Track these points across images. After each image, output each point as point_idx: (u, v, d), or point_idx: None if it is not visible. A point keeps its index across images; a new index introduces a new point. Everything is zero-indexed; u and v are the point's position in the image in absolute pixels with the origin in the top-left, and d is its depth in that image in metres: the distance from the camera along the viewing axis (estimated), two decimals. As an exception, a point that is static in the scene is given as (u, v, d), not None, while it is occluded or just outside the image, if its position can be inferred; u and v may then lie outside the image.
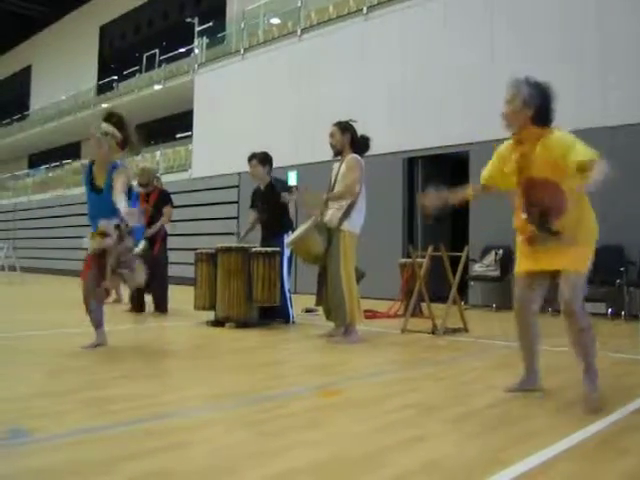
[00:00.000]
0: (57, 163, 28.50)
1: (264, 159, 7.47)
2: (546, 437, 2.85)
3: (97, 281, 5.07)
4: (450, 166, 11.80)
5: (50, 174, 26.86)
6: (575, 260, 3.43)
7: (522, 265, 3.67)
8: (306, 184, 6.28)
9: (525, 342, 3.77)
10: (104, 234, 4.93)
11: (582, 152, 3.29)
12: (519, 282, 3.69)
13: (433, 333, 6.54)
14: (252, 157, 7.49)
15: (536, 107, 3.49)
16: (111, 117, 5.08)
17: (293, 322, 7.34)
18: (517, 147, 3.62)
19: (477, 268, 9.87)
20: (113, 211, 4.89)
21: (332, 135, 6.16)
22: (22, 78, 34.22)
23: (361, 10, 12.76)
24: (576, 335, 3.49)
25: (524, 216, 3.59)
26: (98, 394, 3.69)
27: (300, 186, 6.35)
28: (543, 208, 3.45)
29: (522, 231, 3.64)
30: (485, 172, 3.96)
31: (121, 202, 4.77)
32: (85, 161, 5.47)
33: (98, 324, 5.25)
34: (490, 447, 2.71)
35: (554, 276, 3.56)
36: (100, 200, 5.02)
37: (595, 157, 3.23)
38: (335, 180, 6.11)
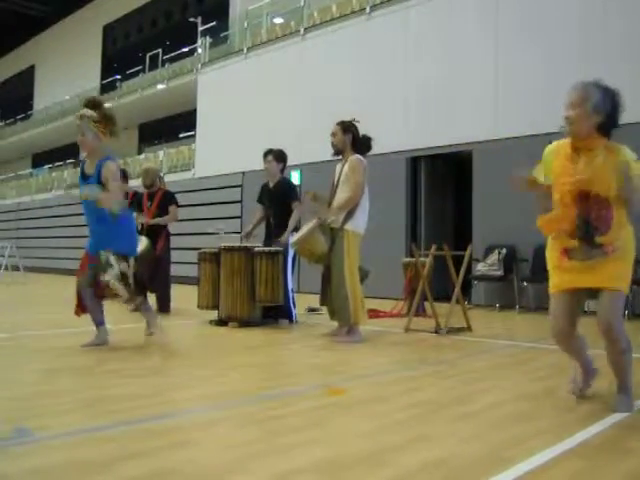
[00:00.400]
0: (60, 163, 28.55)
1: (279, 156, 7.46)
2: (550, 436, 2.85)
3: (92, 280, 5.11)
4: (454, 165, 11.81)
5: (53, 174, 26.89)
6: (615, 277, 3.26)
7: (561, 282, 3.43)
8: (312, 191, 6.25)
9: (574, 354, 3.64)
10: (106, 265, 5.00)
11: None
12: (557, 302, 3.45)
13: (436, 332, 6.54)
14: (268, 152, 7.48)
15: (606, 114, 3.23)
16: (87, 103, 5.11)
17: (295, 322, 7.33)
18: (575, 155, 3.35)
19: (480, 267, 9.86)
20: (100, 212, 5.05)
21: (334, 134, 6.15)
22: (26, 78, 34.27)
23: (364, 9, 12.75)
24: (615, 356, 3.34)
25: (568, 226, 3.34)
26: (100, 393, 3.69)
27: (305, 195, 6.33)
28: (591, 222, 3.26)
29: (560, 242, 3.41)
30: (542, 172, 3.67)
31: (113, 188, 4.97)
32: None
33: (98, 322, 5.29)
34: (494, 446, 2.71)
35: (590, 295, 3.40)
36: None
37: None
38: (338, 180, 6.10)
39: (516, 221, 9.80)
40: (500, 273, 9.63)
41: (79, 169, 5.30)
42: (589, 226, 3.26)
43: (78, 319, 5.40)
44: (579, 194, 3.29)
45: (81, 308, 5.33)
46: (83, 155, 5.25)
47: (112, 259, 5.00)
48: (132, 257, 5.22)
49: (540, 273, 9.30)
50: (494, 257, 9.77)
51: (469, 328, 6.77)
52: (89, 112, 4.97)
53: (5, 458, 2.49)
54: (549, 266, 3.52)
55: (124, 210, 5.26)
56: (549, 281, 3.50)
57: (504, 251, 9.74)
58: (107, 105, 5.11)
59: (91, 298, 5.21)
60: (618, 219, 3.24)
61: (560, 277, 3.42)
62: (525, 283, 9.54)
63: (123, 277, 5.02)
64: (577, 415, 3.27)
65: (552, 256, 3.49)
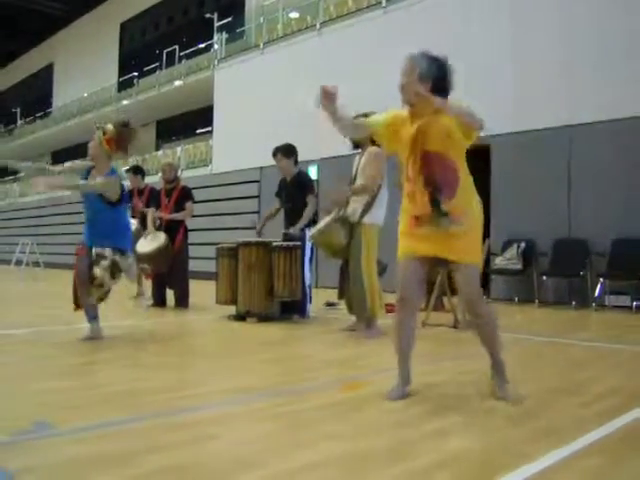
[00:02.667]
0: (79, 160, 28.70)
1: (287, 151, 7.38)
2: (570, 432, 2.83)
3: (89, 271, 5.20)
4: (471, 158, 11.71)
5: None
6: (469, 251, 3.37)
7: (409, 248, 3.45)
8: (333, 188, 6.24)
9: (402, 344, 3.59)
10: (99, 257, 5.13)
11: (466, 110, 3.29)
12: (404, 267, 3.45)
13: (455, 327, 6.51)
14: (276, 151, 7.39)
15: (433, 80, 3.39)
16: (116, 123, 5.22)
17: (308, 317, 7.30)
18: (414, 120, 3.44)
19: (499, 261, 9.81)
20: (102, 209, 5.21)
21: None
22: (44, 76, 34.50)
23: (380, 3, 12.71)
24: (480, 328, 3.45)
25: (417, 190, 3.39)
26: (121, 388, 3.71)
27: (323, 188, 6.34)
28: (436, 185, 3.33)
29: (411, 210, 3.43)
30: (373, 118, 3.80)
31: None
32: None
33: (90, 317, 5.39)
34: (513, 441, 2.70)
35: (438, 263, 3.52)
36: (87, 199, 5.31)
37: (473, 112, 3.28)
38: (356, 173, 6.08)
39: (535, 215, 9.76)
40: (519, 267, 9.57)
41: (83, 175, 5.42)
42: (434, 190, 3.32)
43: (99, 314, 5.43)
44: (421, 158, 3.38)
45: (77, 304, 5.40)
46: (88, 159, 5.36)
47: (107, 251, 5.16)
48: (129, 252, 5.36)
49: (560, 267, 9.26)
50: (513, 251, 9.71)
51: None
52: (108, 126, 5.14)
53: (26, 452, 2.51)
54: (399, 232, 3.53)
55: (119, 204, 5.35)
56: (398, 248, 3.51)
57: (523, 245, 9.68)
58: (131, 128, 5.21)
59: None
60: (463, 185, 3.35)
61: (408, 243, 3.44)
62: (544, 277, 9.48)
63: (113, 267, 5.14)
64: (596, 411, 3.24)
65: (403, 222, 3.51)
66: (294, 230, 7.07)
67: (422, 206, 3.36)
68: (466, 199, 3.38)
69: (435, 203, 3.33)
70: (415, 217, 3.40)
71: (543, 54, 9.97)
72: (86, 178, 5.28)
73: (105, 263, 5.10)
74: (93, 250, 5.19)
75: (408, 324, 3.55)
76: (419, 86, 3.33)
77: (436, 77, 3.41)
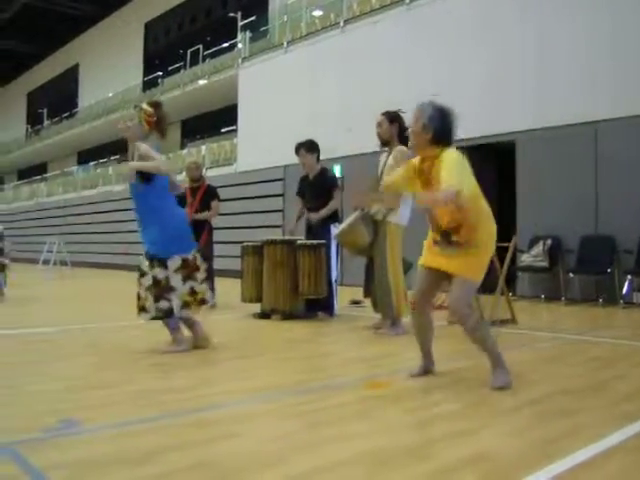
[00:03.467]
0: (105, 159, 28.97)
1: (310, 147, 7.36)
2: (596, 431, 2.80)
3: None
4: (495, 156, 11.65)
5: (98, 170, 27.33)
6: (466, 267, 3.69)
7: (425, 260, 3.93)
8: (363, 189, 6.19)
9: (421, 333, 4.07)
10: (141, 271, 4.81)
11: (453, 181, 3.51)
12: (421, 272, 3.96)
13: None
14: (299, 147, 7.39)
15: (435, 129, 3.70)
16: (150, 102, 5.10)
17: (336, 315, 7.31)
18: (421, 164, 3.85)
19: (525, 258, 9.74)
20: (145, 196, 4.87)
21: (379, 125, 6.08)
22: (70, 77, 34.82)
23: (403, 0, 12.66)
24: (469, 334, 3.74)
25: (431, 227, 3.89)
26: (146, 386, 3.74)
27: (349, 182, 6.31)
28: (443, 224, 3.75)
29: (431, 235, 3.91)
30: (388, 179, 4.23)
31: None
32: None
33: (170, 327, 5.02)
34: (539, 440, 2.68)
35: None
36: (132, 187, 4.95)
37: (455, 187, 3.47)
38: (382, 172, 6.06)
39: (562, 211, 9.67)
40: (545, 264, 9.49)
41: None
42: (445, 230, 3.75)
43: (125, 313, 5.46)
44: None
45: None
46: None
47: (145, 266, 4.77)
48: (174, 258, 4.81)
49: (587, 264, 9.17)
50: (539, 248, 9.63)
51: (514, 320, 6.69)
52: (146, 106, 5.00)
53: (53, 449, 2.55)
54: (424, 244, 4.00)
55: (170, 205, 4.98)
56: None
57: (549, 242, 9.60)
58: (163, 109, 5.10)
59: None
60: (470, 223, 3.67)
61: (426, 256, 3.93)
62: (571, 274, 9.39)
63: (155, 286, 4.72)
64: (622, 410, 3.21)
65: (428, 239, 3.95)
66: (316, 217, 7.07)
67: (435, 234, 3.84)
68: (473, 234, 3.69)
69: (443, 234, 3.77)
70: (434, 239, 3.86)
71: (568, 50, 9.87)
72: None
73: (145, 281, 4.76)
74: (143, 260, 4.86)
75: (422, 321, 4.04)
76: (423, 134, 3.72)
77: (438, 128, 3.72)
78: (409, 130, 3.86)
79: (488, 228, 3.78)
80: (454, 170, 3.59)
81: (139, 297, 4.78)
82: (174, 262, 4.76)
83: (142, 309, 4.78)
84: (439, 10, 11.89)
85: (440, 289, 4.10)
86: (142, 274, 4.76)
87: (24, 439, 2.64)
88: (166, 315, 4.76)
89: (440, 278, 3.92)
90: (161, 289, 4.71)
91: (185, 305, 4.84)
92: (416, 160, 3.93)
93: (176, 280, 4.76)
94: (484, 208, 3.78)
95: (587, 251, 9.32)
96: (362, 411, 3.16)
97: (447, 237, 3.73)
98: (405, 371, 4.24)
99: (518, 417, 3.05)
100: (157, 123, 4.96)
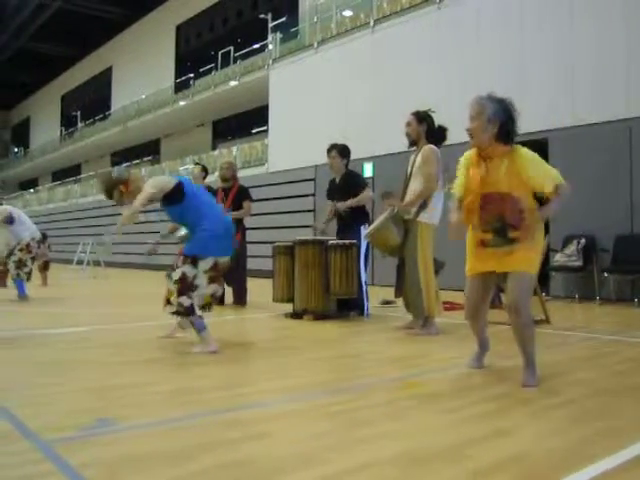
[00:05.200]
0: (137, 160, 29.27)
1: (343, 151, 7.42)
2: (633, 433, 2.77)
3: None
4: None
5: (131, 171, 27.55)
6: (520, 261, 3.64)
7: (475, 267, 3.91)
8: (383, 190, 6.19)
9: (477, 332, 4.22)
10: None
11: (555, 175, 3.57)
12: (472, 283, 3.97)
13: (514, 325, 6.41)
14: (332, 148, 7.44)
15: (500, 124, 3.63)
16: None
17: (367, 315, 7.31)
18: (482, 162, 3.74)
19: (559, 258, 9.64)
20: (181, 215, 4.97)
21: (408, 124, 6.08)
22: (103, 79, 35.25)
23: (434, -1, 12.62)
24: (519, 329, 3.73)
25: (480, 227, 3.77)
26: (180, 385, 3.78)
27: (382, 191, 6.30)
28: (502, 222, 3.64)
29: (477, 235, 3.81)
30: (459, 186, 3.96)
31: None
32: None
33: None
34: (576, 441, 2.65)
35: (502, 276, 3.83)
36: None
37: (562, 181, 3.56)
38: (411, 171, 6.06)
39: (595, 210, 9.55)
40: (579, 264, 9.39)
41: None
42: (504, 225, 3.63)
43: (160, 312, 5.49)
44: (486, 197, 3.68)
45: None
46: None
47: (179, 261, 4.85)
48: (207, 259, 4.83)
49: (622, 264, 9.05)
50: (573, 247, 9.53)
51: (548, 320, 6.63)
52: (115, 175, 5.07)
53: (89, 447, 2.58)
54: (467, 251, 3.95)
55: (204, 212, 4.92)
56: (466, 264, 3.97)
57: (583, 241, 9.49)
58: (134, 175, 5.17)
59: None
60: (528, 221, 3.60)
61: (474, 263, 3.90)
62: (606, 274, 9.28)
63: (181, 281, 4.76)
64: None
65: (470, 244, 3.90)
66: (343, 206, 7.10)
67: (485, 235, 3.74)
68: (532, 224, 3.64)
69: (497, 232, 3.67)
70: (481, 240, 3.78)
71: (601, 48, 9.75)
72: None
73: (174, 276, 4.83)
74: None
75: (478, 321, 4.17)
76: (488, 129, 3.63)
77: (503, 121, 3.64)
78: (469, 127, 3.72)
79: (540, 227, 3.78)
80: (545, 165, 3.62)
81: (168, 290, 4.91)
82: (206, 263, 4.81)
83: (168, 302, 4.89)
84: (469, 9, 11.82)
85: (491, 293, 4.11)
86: (174, 268, 4.84)
87: (60, 437, 2.68)
88: (186, 312, 4.78)
89: (491, 282, 3.96)
90: (185, 285, 4.76)
91: (205, 306, 4.97)
92: (472, 160, 3.83)
93: (202, 280, 4.82)
94: (533, 206, 3.71)
95: (622, 250, 9.20)
96: (396, 411, 3.15)
97: (503, 234, 3.64)
98: (439, 371, 4.24)
99: (555, 418, 3.02)
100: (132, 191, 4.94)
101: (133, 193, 4.88)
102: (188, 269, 4.77)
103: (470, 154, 3.87)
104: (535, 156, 3.65)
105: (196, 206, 4.89)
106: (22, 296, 9.21)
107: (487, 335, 4.28)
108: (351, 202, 7.11)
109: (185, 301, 4.75)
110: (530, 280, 3.70)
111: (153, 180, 4.95)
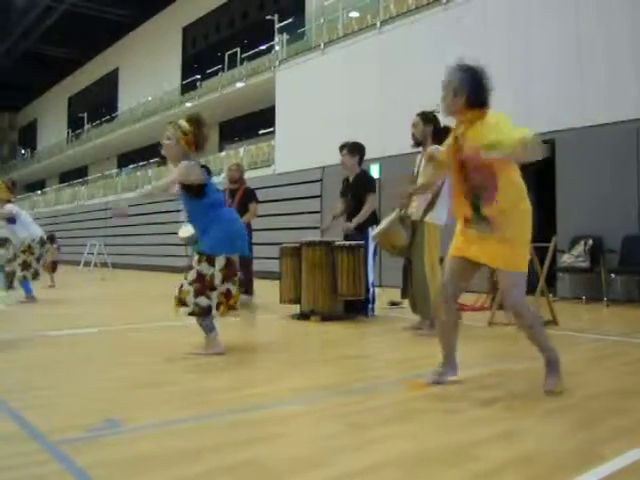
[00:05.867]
0: (144, 162, 29.33)
1: (353, 149, 7.37)
2: (643, 433, 2.77)
3: None
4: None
5: (138, 173, 27.67)
6: (511, 258, 3.54)
7: (456, 249, 3.77)
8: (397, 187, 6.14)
9: (444, 333, 3.88)
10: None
11: (515, 134, 3.28)
12: (449, 265, 3.79)
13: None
14: (343, 146, 7.42)
15: (468, 92, 3.56)
16: (188, 118, 5.05)
17: (372, 316, 7.30)
18: (455, 130, 3.73)
19: (566, 259, 9.61)
20: (194, 211, 4.91)
21: (415, 125, 6.08)
22: (110, 81, 35.35)
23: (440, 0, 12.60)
24: (527, 332, 3.63)
25: (462, 196, 3.68)
26: (188, 387, 3.78)
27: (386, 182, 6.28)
28: (474, 189, 3.56)
29: (461, 209, 3.70)
30: (441, 153, 4.06)
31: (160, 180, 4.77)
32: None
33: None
34: (585, 442, 2.65)
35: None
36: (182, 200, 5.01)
37: (521, 135, 3.24)
38: (417, 172, 6.05)
39: (603, 211, 9.52)
40: (586, 265, 9.36)
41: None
42: (474, 194, 3.56)
43: (168, 314, 5.49)
44: (460, 164, 3.63)
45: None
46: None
47: (194, 261, 4.81)
48: (221, 257, 4.79)
49: (630, 264, 9.02)
50: (580, 248, 9.50)
51: (555, 321, 6.61)
52: (183, 122, 4.98)
53: (96, 448, 2.59)
54: (456, 229, 3.83)
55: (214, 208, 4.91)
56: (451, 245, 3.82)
57: (590, 242, 9.46)
58: (204, 128, 5.04)
59: None
60: (504, 191, 3.46)
61: (456, 244, 3.77)
62: (613, 275, 9.25)
63: (198, 281, 4.73)
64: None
65: (458, 221, 3.79)
66: (349, 226, 7.07)
67: (466, 208, 3.64)
68: (508, 205, 3.49)
69: (475, 207, 3.58)
70: (465, 218, 3.68)
71: (608, 48, 9.72)
72: None
73: (189, 276, 4.79)
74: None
75: (449, 320, 3.83)
76: (456, 99, 3.60)
77: (471, 89, 3.57)
78: (441, 98, 3.73)
79: (523, 204, 3.55)
80: (507, 126, 3.41)
81: (181, 290, 4.76)
82: (220, 261, 4.79)
83: (182, 303, 4.75)
84: (475, 9, 11.81)
85: (469, 284, 3.90)
86: (190, 268, 4.82)
87: (68, 438, 2.69)
88: (203, 312, 4.74)
89: (472, 270, 3.78)
90: (204, 285, 4.72)
91: (216, 306, 4.84)
92: (452, 134, 3.78)
93: (218, 279, 4.79)
94: (516, 179, 3.54)
95: (629, 251, 9.16)
96: (403, 412, 3.15)
97: (477, 210, 3.55)
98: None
99: (563, 419, 3.01)
100: (197, 143, 4.90)
101: (177, 161, 4.83)
102: (204, 268, 4.75)
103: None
104: (500, 119, 3.49)
105: (211, 204, 4.87)
106: (29, 296, 9.28)
107: (455, 354, 3.90)
108: (357, 220, 7.05)
109: (202, 301, 4.72)
110: (522, 278, 3.58)
111: (192, 167, 4.80)
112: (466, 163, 3.58)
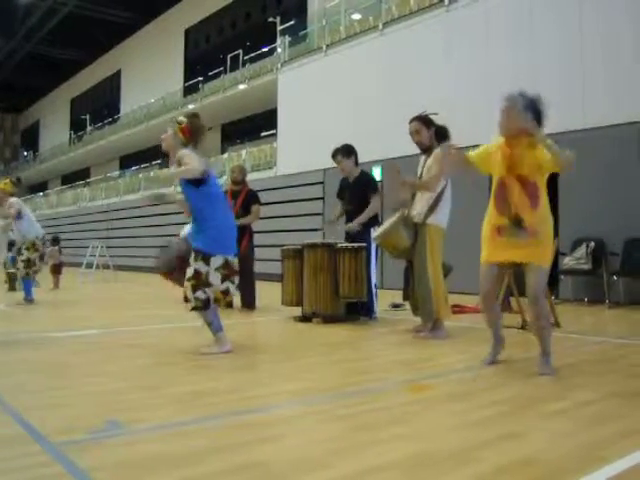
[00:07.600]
0: (146, 164, 29.35)
1: (347, 151, 7.35)
2: (645, 435, 2.76)
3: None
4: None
5: (140, 175, 27.69)
6: (539, 256, 4.07)
7: (490, 255, 4.28)
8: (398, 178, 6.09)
9: (491, 323, 4.51)
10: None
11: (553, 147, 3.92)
12: (486, 270, 4.31)
13: (523, 328, 6.40)
14: (335, 153, 7.39)
15: (533, 112, 4.05)
16: (187, 114, 5.18)
17: (375, 318, 7.29)
18: (508, 149, 4.13)
19: (568, 261, 9.61)
20: (193, 198, 4.96)
21: (417, 132, 6.01)
22: (112, 83, 35.41)
23: (442, 1, 12.60)
24: (538, 319, 4.12)
25: (497, 211, 4.19)
26: (190, 388, 3.78)
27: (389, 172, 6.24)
28: (521, 203, 4.05)
29: (495, 220, 4.20)
30: (473, 153, 4.44)
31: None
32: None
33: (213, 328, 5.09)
34: (587, 444, 2.64)
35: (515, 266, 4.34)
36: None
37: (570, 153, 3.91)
38: (422, 173, 6.04)
39: (605, 213, 9.52)
40: (588, 267, 9.36)
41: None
42: (517, 206, 4.07)
43: (171, 315, 5.51)
44: (511, 179, 4.11)
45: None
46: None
47: (191, 258, 4.86)
48: (217, 257, 4.85)
49: (632, 267, 9.01)
50: (582, 250, 9.50)
51: (557, 324, 6.60)
52: (181, 117, 5.08)
53: (98, 450, 2.59)
54: (482, 237, 4.34)
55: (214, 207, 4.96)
56: (482, 251, 4.34)
57: (592, 244, 9.46)
58: (199, 120, 5.14)
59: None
60: (542, 206, 4.08)
61: (490, 251, 4.28)
62: (615, 277, 9.24)
63: (194, 277, 4.80)
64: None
65: (486, 231, 4.32)
66: (353, 226, 7.06)
67: (505, 219, 4.12)
68: (543, 218, 4.08)
69: (516, 218, 4.06)
70: (498, 227, 4.17)
71: (611, 51, 9.72)
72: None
73: (188, 272, 4.87)
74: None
75: (492, 310, 4.47)
76: (524, 116, 4.01)
77: (535, 110, 4.07)
78: (500, 120, 4.11)
79: (550, 216, 4.15)
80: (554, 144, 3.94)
81: (185, 288, 4.89)
82: (216, 260, 4.84)
83: (186, 299, 4.88)
84: (477, 12, 11.81)
85: (502, 284, 4.55)
86: (188, 265, 4.87)
87: (70, 440, 2.69)
88: (204, 305, 4.83)
89: (503, 273, 4.30)
90: (200, 282, 4.81)
91: (214, 301, 4.94)
92: (501, 145, 4.19)
93: (215, 278, 4.84)
94: (545, 189, 4.11)
95: (631, 254, 9.16)
96: (405, 414, 3.15)
97: (518, 221, 4.05)
98: (448, 374, 4.23)
99: (566, 421, 3.01)
100: (191, 132, 5.01)
101: (170, 146, 5.09)
102: (200, 266, 4.82)
103: (500, 140, 4.22)
104: (547, 141, 3.95)
105: (209, 196, 4.93)
106: (29, 299, 9.20)
107: (502, 333, 4.55)
108: (362, 219, 7.05)
109: (201, 295, 4.82)
110: (546, 275, 4.11)
111: (190, 154, 4.88)
112: (519, 179, 4.07)
